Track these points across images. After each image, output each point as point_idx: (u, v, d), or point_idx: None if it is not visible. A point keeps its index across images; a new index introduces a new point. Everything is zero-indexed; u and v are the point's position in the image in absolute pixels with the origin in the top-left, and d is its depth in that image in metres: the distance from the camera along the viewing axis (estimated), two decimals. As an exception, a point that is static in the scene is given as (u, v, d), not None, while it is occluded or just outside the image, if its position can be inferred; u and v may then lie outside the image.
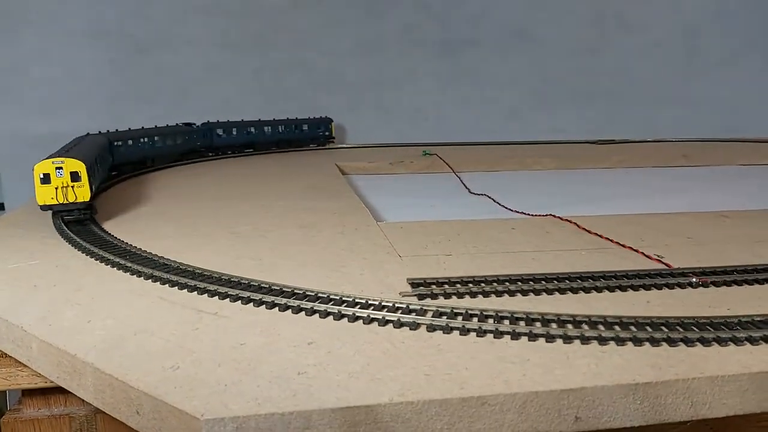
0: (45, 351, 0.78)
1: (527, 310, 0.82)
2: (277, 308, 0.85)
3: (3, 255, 1.14)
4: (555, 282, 0.95)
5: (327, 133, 2.91)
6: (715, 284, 0.95)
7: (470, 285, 0.94)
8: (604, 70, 3.26)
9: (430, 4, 3.08)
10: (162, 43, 2.87)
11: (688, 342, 0.74)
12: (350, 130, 3.09)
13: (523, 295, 0.91)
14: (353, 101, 3.03)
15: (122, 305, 0.88)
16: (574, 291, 0.92)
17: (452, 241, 1.22)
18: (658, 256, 1.08)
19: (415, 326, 0.79)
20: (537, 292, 0.92)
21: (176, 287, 0.93)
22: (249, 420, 0.60)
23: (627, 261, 1.08)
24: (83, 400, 0.75)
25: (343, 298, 0.87)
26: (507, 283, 0.94)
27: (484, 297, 0.91)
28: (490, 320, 0.80)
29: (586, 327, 0.78)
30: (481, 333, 0.77)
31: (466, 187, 1.97)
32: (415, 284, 0.95)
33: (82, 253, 1.12)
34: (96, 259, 1.08)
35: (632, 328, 0.78)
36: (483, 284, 0.94)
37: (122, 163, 2.00)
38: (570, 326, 0.79)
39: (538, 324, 0.79)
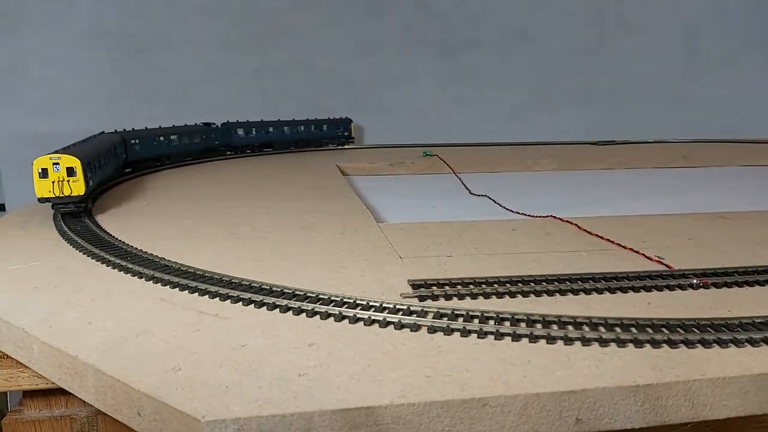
0: (46, 352, 0.78)
1: (528, 311, 0.82)
2: (277, 310, 0.85)
3: (4, 256, 1.14)
4: (556, 283, 0.95)
5: (347, 134, 2.92)
6: (716, 285, 0.95)
7: (471, 286, 0.94)
8: (604, 71, 3.26)
9: (430, 4, 3.08)
10: (162, 43, 2.87)
11: (688, 344, 0.74)
12: (350, 131, 3.09)
13: (524, 297, 0.91)
14: (353, 102, 3.03)
15: (123, 307, 0.88)
16: (575, 292, 0.92)
17: (453, 243, 1.22)
18: (659, 257, 1.08)
19: (416, 328, 0.79)
20: (538, 294, 0.92)
21: (177, 288, 0.93)
22: (250, 421, 0.60)
23: (628, 262, 1.08)
24: (84, 402, 0.75)
25: (344, 300, 0.87)
26: (508, 285, 0.94)
27: (485, 298, 0.91)
28: (491, 322, 0.80)
29: (587, 328, 0.78)
30: (482, 334, 0.77)
31: (467, 188, 1.97)
32: (416, 285, 0.95)
33: (83, 254, 1.12)
34: (97, 261, 1.08)
35: (633, 329, 0.78)
36: (484, 285, 0.94)
37: (138, 160, 2.10)
38: (571, 328, 0.79)
39: (539, 325, 0.79)
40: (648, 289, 0.94)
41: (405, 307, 0.84)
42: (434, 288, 0.94)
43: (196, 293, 0.91)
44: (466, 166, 2.36)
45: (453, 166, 2.32)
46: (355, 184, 2.07)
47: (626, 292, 0.93)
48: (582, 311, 0.84)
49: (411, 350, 0.74)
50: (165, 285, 0.95)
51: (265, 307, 0.86)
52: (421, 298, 0.90)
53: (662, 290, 0.93)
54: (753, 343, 0.75)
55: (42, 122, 2.73)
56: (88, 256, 1.11)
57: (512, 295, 0.92)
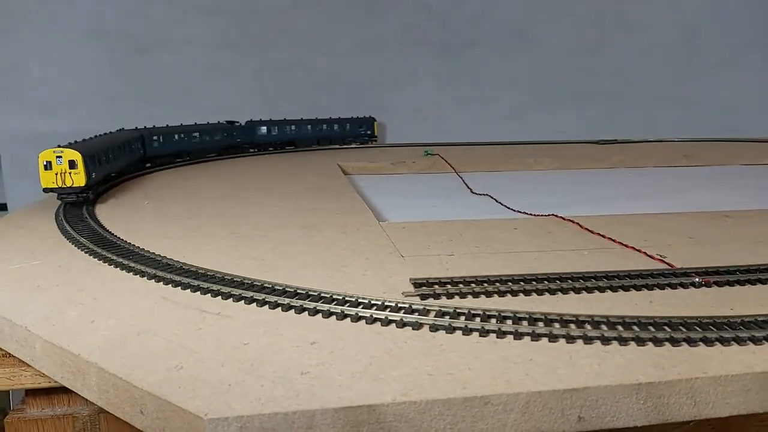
0: (48, 351, 0.78)
1: (530, 310, 0.82)
2: (279, 308, 0.85)
3: (5, 255, 1.14)
4: (557, 282, 0.95)
5: (370, 132, 2.93)
6: (718, 284, 0.95)
7: (473, 285, 0.94)
8: (605, 71, 3.26)
9: (430, 4, 3.08)
10: (162, 43, 2.87)
11: (691, 342, 0.74)
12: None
13: (526, 295, 0.91)
14: (353, 102, 3.03)
15: (125, 305, 0.88)
16: (577, 291, 0.92)
17: (454, 241, 1.22)
18: (661, 256, 1.08)
19: (417, 326, 0.79)
20: (539, 292, 0.92)
21: (179, 287, 0.93)
22: (253, 419, 0.60)
23: (629, 261, 1.08)
24: (87, 400, 0.75)
25: (346, 298, 0.87)
26: (509, 283, 0.94)
27: (486, 297, 0.91)
28: (493, 320, 0.80)
29: (588, 327, 0.78)
30: (483, 333, 0.77)
31: (468, 187, 1.97)
32: (417, 284, 0.95)
33: (85, 253, 1.13)
34: (99, 259, 1.08)
35: (635, 327, 0.78)
36: (485, 284, 0.94)
37: (157, 156, 2.23)
38: (573, 326, 0.79)
39: (540, 324, 0.79)
40: (650, 287, 0.93)
41: (407, 306, 0.84)
42: (436, 287, 0.94)
43: (198, 292, 0.91)
44: (468, 165, 2.36)
45: (454, 166, 2.32)
46: (356, 183, 2.07)
47: (628, 291, 0.93)
48: (584, 310, 0.84)
49: (413, 349, 0.74)
50: (167, 284, 0.95)
51: (267, 306, 0.86)
52: (423, 297, 0.90)
53: (664, 289, 0.93)
54: (755, 341, 0.75)
55: (42, 122, 2.73)
56: (89, 255, 1.11)
57: (514, 293, 0.92)
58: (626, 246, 1.15)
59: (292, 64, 3.00)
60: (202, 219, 1.41)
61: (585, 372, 0.68)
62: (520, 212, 1.54)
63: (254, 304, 0.87)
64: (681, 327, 0.78)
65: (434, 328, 0.79)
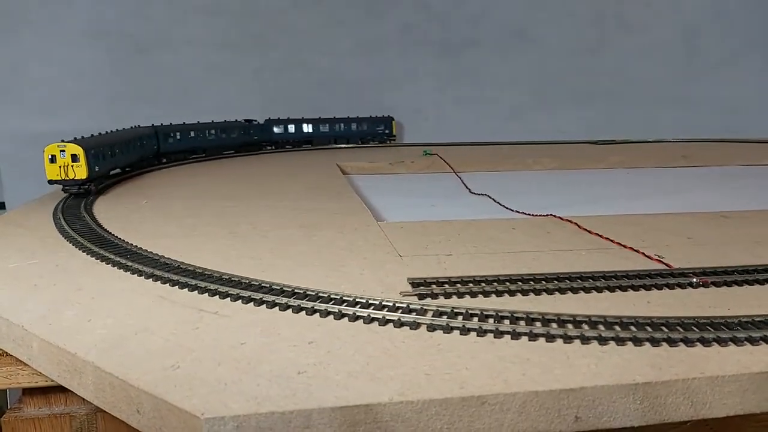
0: (45, 350, 0.78)
1: (527, 309, 0.82)
2: (277, 308, 0.85)
3: (3, 254, 1.14)
4: (555, 282, 0.95)
5: (388, 131, 2.95)
6: (716, 284, 0.95)
7: (470, 285, 0.94)
8: (604, 71, 3.26)
9: (430, 4, 3.08)
10: (162, 43, 2.87)
11: (688, 342, 0.74)
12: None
13: (524, 295, 0.91)
14: (353, 101, 3.03)
15: (123, 304, 0.88)
16: (575, 291, 0.92)
17: (452, 241, 1.22)
18: (659, 256, 1.08)
19: (415, 326, 0.79)
20: (537, 292, 0.92)
21: (177, 286, 0.93)
22: (249, 419, 0.60)
23: (627, 261, 1.08)
24: (84, 399, 0.75)
25: (344, 298, 0.87)
26: (507, 283, 0.94)
27: (484, 297, 0.91)
28: (491, 320, 0.80)
29: (586, 327, 0.78)
30: (481, 333, 0.77)
31: (467, 187, 1.97)
32: (415, 284, 0.95)
33: (83, 252, 1.12)
34: (96, 259, 1.08)
35: (632, 328, 0.78)
36: (483, 284, 0.94)
37: (172, 152, 2.33)
38: (570, 326, 0.79)
39: (538, 324, 0.79)
40: (647, 287, 0.93)
41: (404, 306, 0.84)
42: (434, 286, 0.93)
43: (196, 291, 0.91)
44: (466, 165, 2.36)
45: (453, 165, 2.32)
46: (355, 183, 2.07)
47: (626, 291, 0.93)
48: (581, 310, 0.84)
49: (410, 348, 0.74)
50: (165, 283, 0.95)
51: (264, 305, 0.86)
52: (421, 297, 0.90)
53: (662, 289, 0.93)
54: (752, 341, 0.75)
55: (42, 122, 2.73)
56: (87, 254, 1.11)
57: (512, 293, 0.92)
58: (624, 246, 1.15)
59: (292, 64, 3.00)
60: (201, 218, 1.41)
61: (582, 372, 0.68)
62: (518, 212, 1.54)
63: (252, 303, 0.87)
64: (678, 327, 0.78)
65: (432, 327, 0.79)
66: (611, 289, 0.93)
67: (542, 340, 0.76)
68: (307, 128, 2.83)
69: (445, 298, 0.90)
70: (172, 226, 1.34)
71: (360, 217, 1.42)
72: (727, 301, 0.89)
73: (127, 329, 0.79)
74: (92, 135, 1.79)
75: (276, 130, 2.79)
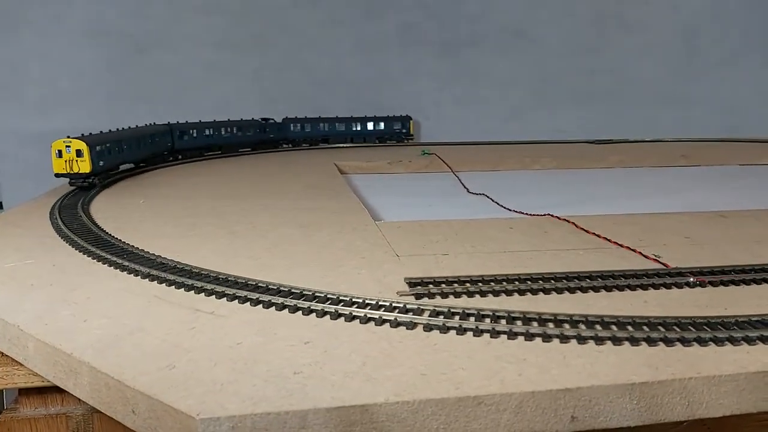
0: (41, 350, 0.78)
1: (524, 309, 0.82)
2: (274, 307, 0.85)
3: (0, 254, 1.13)
4: (552, 282, 0.94)
5: (405, 131, 2.95)
6: (713, 284, 0.95)
7: (468, 284, 0.94)
8: (604, 70, 3.26)
9: (430, 4, 3.08)
10: (161, 42, 2.87)
11: (684, 342, 0.74)
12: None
13: (521, 295, 0.91)
14: (353, 101, 3.03)
15: (119, 304, 0.88)
16: (572, 291, 0.92)
17: (450, 241, 1.22)
18: (656, 255, 1.08)
19: (412, 326, 0.79)
20: (534, 292, 0.92)
21: (173, 286, 0.93)
22: (245, 419, 0.59)
23: (625, 261, 1.07)
24: (80, 400, 0.74)
25: (341, 298, 0.87)
26: (504, 283, 0.94)
27: (481, 296, 0.91)
28: (487, 320, 0.80)
29: (582, 327, 0.78)
30: (477, 332, 0.77)
31: (465, 187, 1.97)
32: (412, 284, 0.95)
33: (79, 252, 1.12)
34: (93, 258, 1.08)
35: (629, 327, 0.78)
36: (480, 284, 0.94)
37: (186, 149, 2.42)
38: (567, 326, 0.79)
39: (534, 324, 0.79)
40: (644, 287, 0.93)
41: (401, 305, 0.84)
42: (431, 286, 0.93)
43: (192, 291, 0.91)
44: (465, 164, 2.36)
45: (451, 165, 2.32)
46: (353, 182, 2.07)
47: (623, 291, 0.92)
48: (578, 309, 0.84)
49: (407, 348, 0.74)
50: (161, 283, 0.95)
51: (261, 305, 0.86)
52: (418, 296, 0.90)
53: (659, 289, 0.93)
54: (749, 341, 0.75)
55: (41, 121, 2.73)
56: (84, 254, 1.11)
57: (509, 293, 0.91)
58: (621, 246, 1.15)
59: (291, 63, 3.00)
60: (199, 218, 1.41)
61: (578, 372, 0.68)
62: (516, 212, 1.54)
63: (248, 303, 0.87)
64: (675, 327, 0.78)
65: (428, 327, 0.79)
66: (608, 289, 0.93)
67: (539, 339, 0.76)
68: (323, 127, 2.87)
69: (442, 298, 0.90)
70: (169, 225, 1.34)
71: (358, 217, 1.42)
72: (724, 300, 0.89)
73: (123, 329, 0.79)
74: (101, 132, 1.88)
75: (293, 128, 2.83)
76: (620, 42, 3.27)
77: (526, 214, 1.49)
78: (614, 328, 0.78)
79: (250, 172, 2.18)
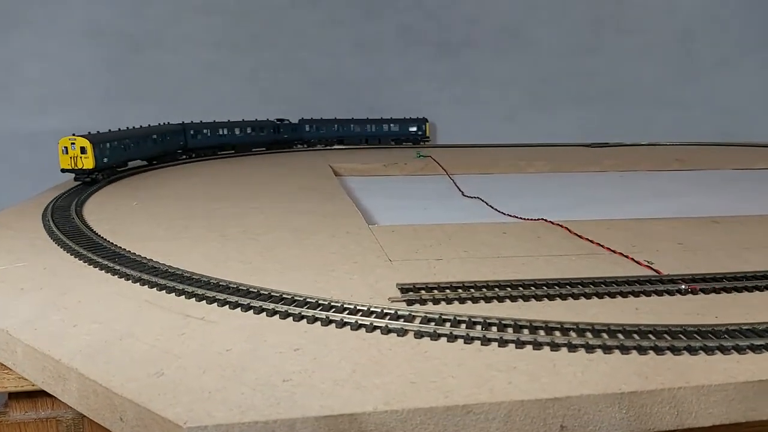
0: (30, 355, 0.77)
1: (515, 316, 0.82)
2: (264, 313, 0.85)
3: (-9, 256, 1.13)
4: (544, 288, 0.94)
5: (421, 133, 2.95)
6: (704, 291, 0.95)
7: (460, 290, 0.93)
8: (600, 73, 3.26)
9: (427, 5, 3.08)
10: (158, 42, 2.86)
11: (674, 350, 0.74)
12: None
13: (512, 301, 0.91)
14: (350, 102, 3.03)
15: (109, 309, 0.87)
16: (563, 297, 0.92)
17: (443, 245, 1.21)
18: (648, 262, 1.08)
19: (402, 333, 0.79)
20: (526, 299, 0.92)
21: (164, 291, 0.93)
22: (232, 428, 0.59)
23: (617, 267, 1.08)
24: (70, 404, 0.74)
25: (332, 304, 0.86)
26: (496, 289, 0.94)
27: (473, 303, 0.90)
28: (478, 327, 0.80)
29: (573, 334, 0.78)
30: (468, 340, 0.77)
31: (460, 190, 1.97)
32: (404, 289, 0.94)
33: (71, 255, 1.12)
34: (85, 262, 1.07)
35: (619, 335, 0.78)
36: (472, 290, 0.94)
37: (199, 147, 2.50)
38: (558, 333, 0.79)
39: (525, 331, 0.79)
40: (636, 294, 0.93)
41: (392, 312, 0.84)
42: (423, 292, 0.93)
43: (183, 296, 0.91)
44: (460, 167, 2.36)
45: (447, 168, 2.32)
46: (347, 185, 2.07)
47: (614, 297, 0.93)
48: (569, 317, 0.84)
49: (397, 356, 0.74)
50: (152, 287, 0.94)
51: (251, 311, 0.86)
52: (410, 303, 0.90)
53: (650, 295, 0.93)
54: (739, 350, 0.75)
55: (36, 121, 2.72)
56: (75, 257, 1.10)
57: (500, 299, 0.91)
58: (614, 251, 1.15)
59: (289, 63, 3.00)
60: (192, 221, 1.40)
61: (568, 380, 0.68)
62: (510, 216, 1.54)
63: (239, 308, 0.86)
64: (666, 335, 0.78)
65: (419, 334, 0.79)
66: (599, 296, 0.93)
67: (529, 347, 0.76)
68: (338, 128, 2.89)
69: (434, 304, 0.90)
70: (162, 228, 1.34)
71: (351, 220, 1.42)
72: (715, 308, 0.89)
73: (113, 335, 0.79)
74: (109, 130, 2.00)
75: (308, 129, 2.86)
76: (617, 44, 3.27)
77: (520, 218, 1.49)
78: (605, 336, 0.78)
79: (245, 174, 2.18)
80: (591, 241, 1.22)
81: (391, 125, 2.93)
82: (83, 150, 1.78)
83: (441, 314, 0.83)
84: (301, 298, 0.88)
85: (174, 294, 0.92)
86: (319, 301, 0.87)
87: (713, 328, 0.79)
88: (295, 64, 3.00)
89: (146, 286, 0.95)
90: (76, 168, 1.79)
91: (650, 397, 0.67)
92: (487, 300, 0.91)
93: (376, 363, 0.72)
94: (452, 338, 0.78)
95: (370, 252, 1.16)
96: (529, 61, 3.21)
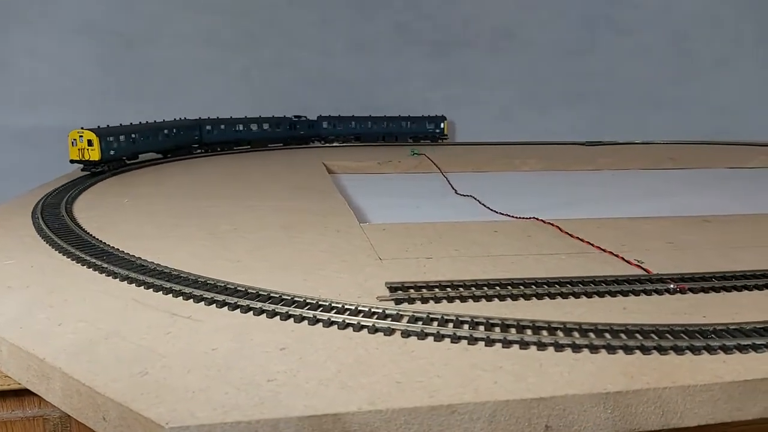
0: (15, 354, 0.77)
1: (503, 315, 0.82)
2: (251, 312, 0.84)
3: (-21, 254, 1.12)
4: (533, 287, 0.94)
5: (438, 131, 2.95)
6: (693, 291, 0.95)
7: (448, 289, 0.93)
8: (595, 72, 3.26)
9: (422, 4, 3.07)
10: (151, 39, 2.85)
11: (661, 350, 0.74)
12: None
13: (501, 301, 0.91)
14: (344, 100, 3.02)
15: (96, 308, 0.87)
16: (552, 296, 0.92)
17: (434, 244, 1.21)
18: (638, 261, 1.08)
19: (389, 332, 0.79)
20: (514, 298, 0.91)
21: (151, 289, 0.92)
22: (215, 428, 0.59)
23: (606, 266, 1.07)
24: (55, 403, 0.74)
25: (319, 303, 0.86)
26: (485, 288, 0.93)
27: (461, 302, 0.90)
28: (465, 326, 0.80)
29: (560, 334, 0.78)
30: (455, 339, 0.77)
31: (453, 188, 1.97)
32: (393, 288, 0.94)
33: (59, 253, 1.11)
34: (72, 260, 1.07)
35: (606, 335, 0.78)
36: (461, 289, 0.93)
37: (214, 142, 2.60)
38: (545, 333, 0.78)
39: (513, 330, 0.79)
40: (625, 293, 0.93)
41: (380, 311, 0.83)
42: (411, 291, 0.93)
43: (171, 294, 0.90)
44: (454, 165, 2.36)
45: (441, 166, 2.32)
46: (341, 182, 2.06)
47: (603, 297, 0.92)
48: (557, 316, 0.84)
49: (383, 355, 0.73)
50: (139, 285, 0.94)
51: (238, 310, 0.85)
52: (398, 302, 0.89)
53: (639, 295, 0.93)
54: (726, 350, 0.75)
55: (27, 117, 2.70)
56: (64, 255, 1.10)
57: (489, 298, 0.91)
58: (604, 250, 1.15)
59: (282, 62, 2.99)
60: (182, 219, 1.40)
61: (554, 380, 0.68)
62: (502, 214, 1.54)
63: (226, 307, 0.86)
64: (653, 335, 0.78)
65: (406, 333, 0.78)
66: (588, 295, 0.92)
67: (516, 347, 0.75)
68: (355, 125, 2.91)
69: (422, 303, 0.89)
70: (152, 226, 1.33)
71: (343, 219, 1.41)
72: (703, 307, 0.89)
73: (98, 333, 0.78)
74: (120, 124, 2.11)
75: (325, 126, 2.89)
76: (610, 44, 3.27)
77: (512, 216, 1.49)
78: (592, 335, 0.78)
79: (235, 172, 2.17)
80: (581, 240, 1.22)
81: (409, 123, 2.93)
82: (90, 142, 1.89)
83: (429, 313, 0.83)
84: (289, 297, 0.88)
85: (161, 292, 0.91)
86: (307, 300, 0.87)
87: (700, 328, 0.79)
88: (288, 62, 2.99)
89: (134, 284, 0.95)
90: (83, 159, 1.90)
91: (635, 397, 0.66)
92: (476, 299, 0.91)
93: (362, 362, 0.71)
94: (439, 337, 0.77)
95: (360, 251, 1.16)
96: (524, 60, 3.21)
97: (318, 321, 0.82)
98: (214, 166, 2.29)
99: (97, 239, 1.18)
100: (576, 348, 0.75)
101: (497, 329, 0.79)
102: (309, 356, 0.72)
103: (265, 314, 0.84)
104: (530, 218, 1.41)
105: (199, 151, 2.56)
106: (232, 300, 0.86)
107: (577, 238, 1.24)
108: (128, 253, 1.08)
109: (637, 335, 0.78)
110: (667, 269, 1.04)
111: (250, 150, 2.71)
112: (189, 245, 1.18)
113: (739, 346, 0.75)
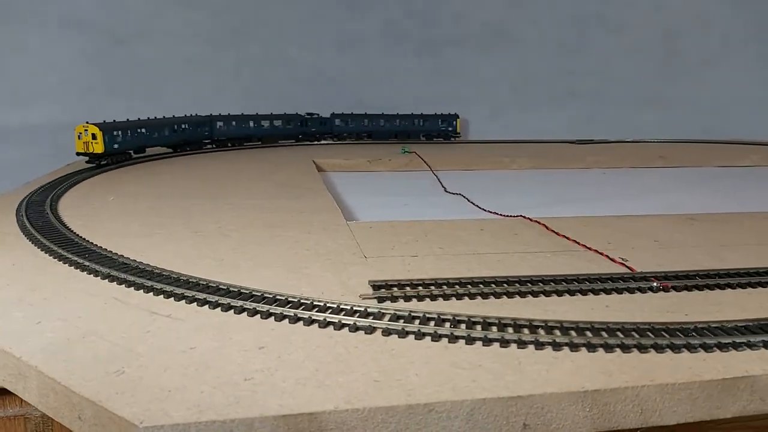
0: (-9, 353, 0.76)
1: (486, 314, 0.82)
2: (232, 311, 0.84)
3: (-40, 252, 1.11)
4: (516, 285, 0.94)
5: (451, 129, 2.94)
6: (676, 289, 0.95)
7: (432, 287, 0.93)
8: (585, 70, 3.26)
9: (412, 1, 3.06)
10: (140, 35, 2.84)
11: (641, 348, 0.74)
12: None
13: (484, 299, 0.91)
14: (333, 98, 3.01)
15: (75, 306, 0.86)
16: (535, 294, 0.92)
17: (420, 242, 1.21)
18: (623, 259, 1.08)
19: (370, 330, 0.78)
20: (498, 296, 0.91)
21: (132, 288, 0.92)
22: (189, 427, 0.58)
23: (591, 264, 1.07)
24: (36, 402, 0.73)
25: (301, 301, 0.86)
26: (468, 286, 0.93)
27: (444, 300, 0.90)
28: (447, 324, 0.80)
29: (541, 332, 0.78)
30: (436, 337, 0.77)
31: (443, 186, 1.97)
32: (376, 286, 0.94)
33: (41, 251, 1.10)
34: (54, 258, 1.06)
35: (588, 333, 0.77)
36: (445, 287, 0.93)
37: (224, 138, 2.64)
38: (526, 331, 0.78)
39: (494, 328, 0.79)
40: (608, 291, 0.93)
41: (362, 309, 0.83)
42: (394, 289, 0.93)
43: (151, 293, 0.90)
44: (444, 163, 2.36)
45: (431, 164, 2.32)
46: (330, 180, 2.06)
47: (586, 295, 0.92)
48: (540, 314, 0.84)
49: (363, 354, 0.73)
50: (120, 284, 0.93)
51: (219, 308, 0.85)
52: (380, 300, 0.89)
53: (622, 293, 0.93)
54: (706, 348, 0.75)
55: (14, 114, 2.68)
56: (46, 252, 1.09)
57: (472, 296, 0.91)
58: (590, 249, 1.15)
59: (271, 58, 2.98)
60: (167, 217, 1.39)
61: (533, 378, 0.68)
62: (490, 212, 1.54)
63: (206, 306, 0.85)
64: (633, 333, 0.78)
65: (387, 332, 0.78)
66: (571, 293, 0.92)
67: (496, 345, 0.75)
68: (368, 123, 2.91)
69: (405, 301, 0.89)
70: (136, 224, 1.32)
71: (330, 217, 1.41)
72: (685, 306, 0.89)
73: (76, 332, 0.77)
74: (127, 119, 2.21)
75: (337, 123, 2.89)
76: (601, 42, 3.27)
77: (499, 214, 1.49)
78: (573, 333, 0.77)
79: (224, 169, 2.16)
80: (567, 238, 1.22)
81: (422, 121, 2.93)
82: (94, 136, 1.99)
83: (411, 311, 0.82)
84: (271, 296, 0.87)
85: (143, 291, 0.91)
86: (289, 299, 0.86)
87: (681, 326, 0.79)
88: (277, 59, 2.98)
89: (115, 282, 0.94)
90: (87, 152, 2.01)
91: (613, 396, 0.66)
92: (459, 297, 0.91)
93: (341, 361, 0.71)
94: (420, 336, 0.77)
95: (345, 249, 1.15)
96: (514, 58, 3.21)
97: (299, 319, 0.81)
98: (206, 164, 2.28)
99: (82, 237, 1.17)
100: (556, 346, 0.74)
101: (478, 327, 0.79)
102: (288, 355, 0.72)
103: (245, 312, 0.83)
104: (517, 216, 1.41)
105: (209, 146, 2.61)
106: (213, 298, 0.86)
107: (563, 236, 1.24)
108: (111, 251, 1.08)
109: (618, 333, 0.77)
110: (652, 267, 1.04)
111: (240, 147, 2.70)
112: (173, 243, 1.17)
113: (719, 345, 0.75)
